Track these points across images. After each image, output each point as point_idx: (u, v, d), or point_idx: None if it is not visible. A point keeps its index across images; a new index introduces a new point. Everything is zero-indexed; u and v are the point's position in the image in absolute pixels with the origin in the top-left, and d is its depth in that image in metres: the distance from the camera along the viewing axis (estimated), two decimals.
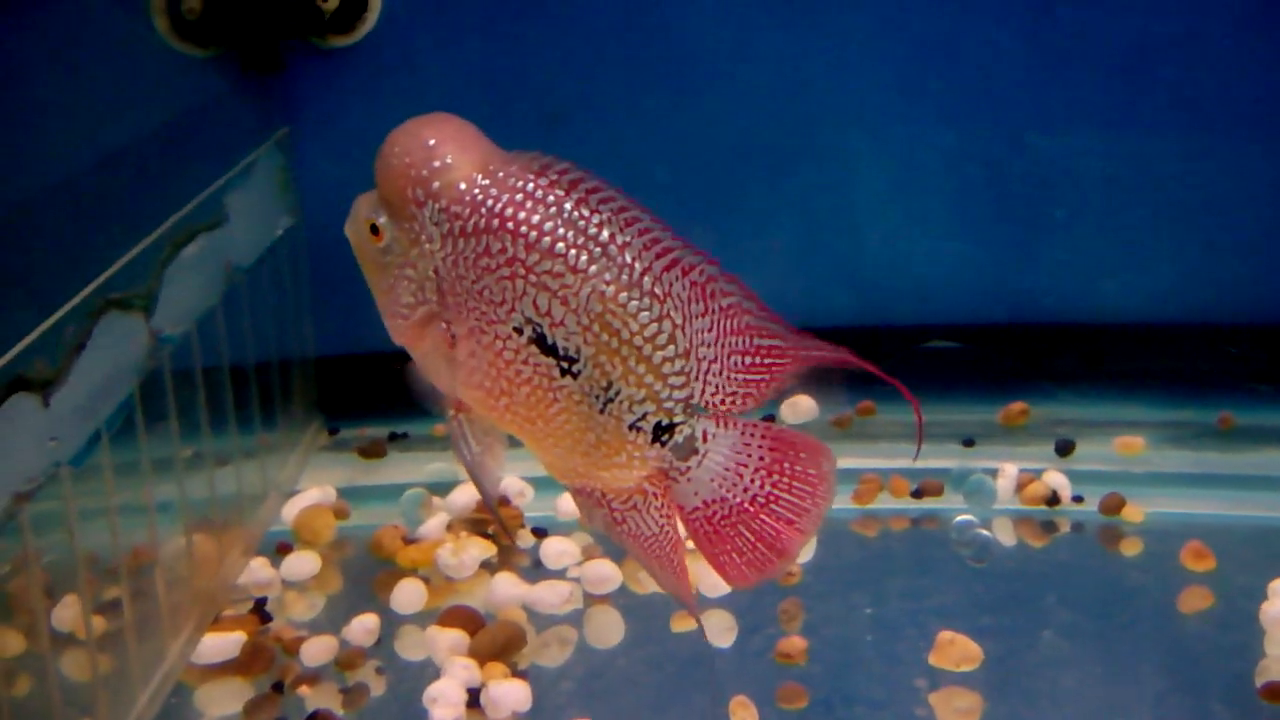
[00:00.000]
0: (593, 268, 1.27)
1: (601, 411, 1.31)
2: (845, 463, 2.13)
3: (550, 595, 1.84)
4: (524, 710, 1.64)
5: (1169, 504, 2.08)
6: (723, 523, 1.35)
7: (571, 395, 1.31)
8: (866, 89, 2.30)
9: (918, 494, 2.09)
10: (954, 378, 2.32)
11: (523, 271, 1.27)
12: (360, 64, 2.27)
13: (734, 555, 1.36)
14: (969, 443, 2.22)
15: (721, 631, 1.81)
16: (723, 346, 1.32)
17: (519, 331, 1.29)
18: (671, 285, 1.29)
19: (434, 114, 1.32)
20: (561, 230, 1.27)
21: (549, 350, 1.30)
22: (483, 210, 1.28)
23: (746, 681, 1.70)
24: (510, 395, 1.32)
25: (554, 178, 1.28)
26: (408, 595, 1.85)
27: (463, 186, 1.28)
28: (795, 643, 1.73)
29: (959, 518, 2.05)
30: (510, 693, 1.63)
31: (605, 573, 1.88)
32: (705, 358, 1.32)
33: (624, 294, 1.28)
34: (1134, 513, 2.03)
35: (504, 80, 2.28)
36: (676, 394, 1.31)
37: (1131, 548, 1.99)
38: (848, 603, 1.86)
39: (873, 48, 2.29)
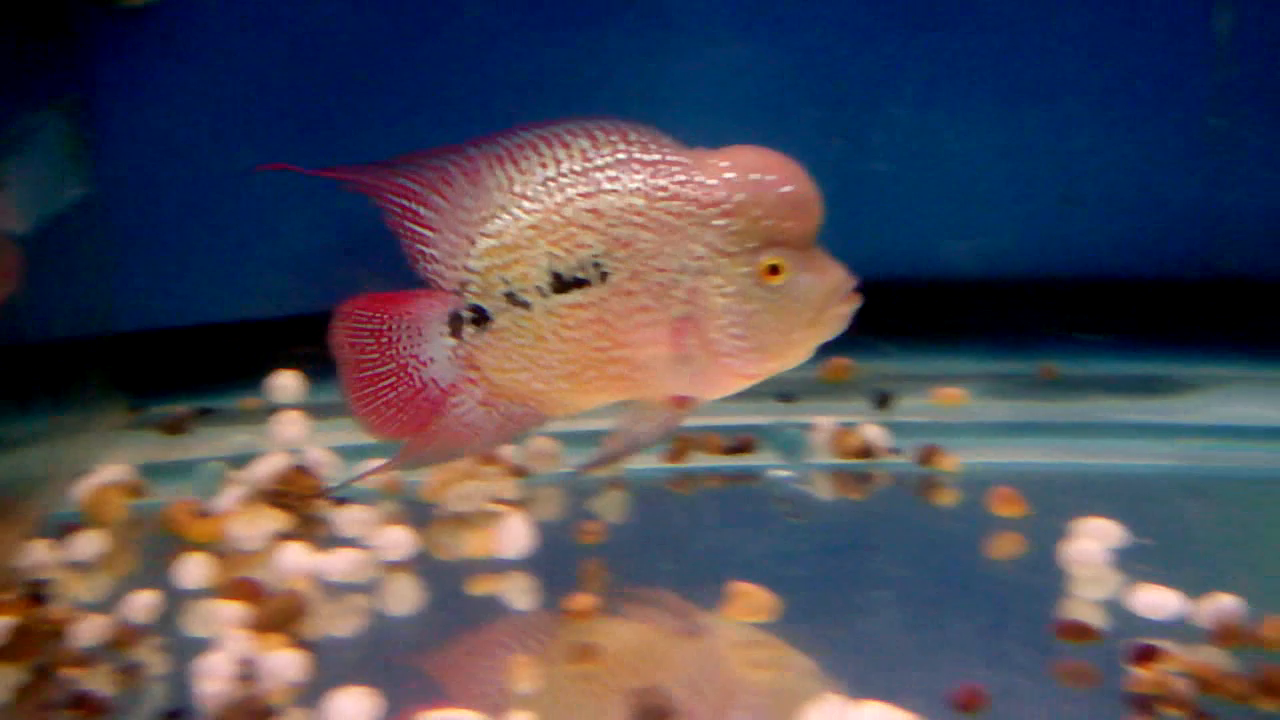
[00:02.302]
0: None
1: None
2: None
3: (339, 563, 1.78)
4: (300, 680, 1.57)
5: (987, 454, 2.06)
6: None
7: None
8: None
9: (732, 450, 2.04)
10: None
11: None
12: (157, 27, 2.19)
13: None
14: (787, 398, 2.18)
15: (521, 593, 1.76)
16: None
17: None
18: None
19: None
20: None
21: None
22: None
23: (538, 641, 1.65)
24: None
25: None
26: (193, 570, 1.78)
27: None
28: (584, 600, 1.68)
29: (775, 473, 2.02)
30: (285, 663, 1.57)
31: (400, 539, 1.82)
32: None
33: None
34: (949, 463, 2.00)
35: (306, 41, 2.22)
36: None
37: (947, 497, 1.97)
38: (649, 561, 1.82)
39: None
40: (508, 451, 2.01)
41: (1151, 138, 2.28)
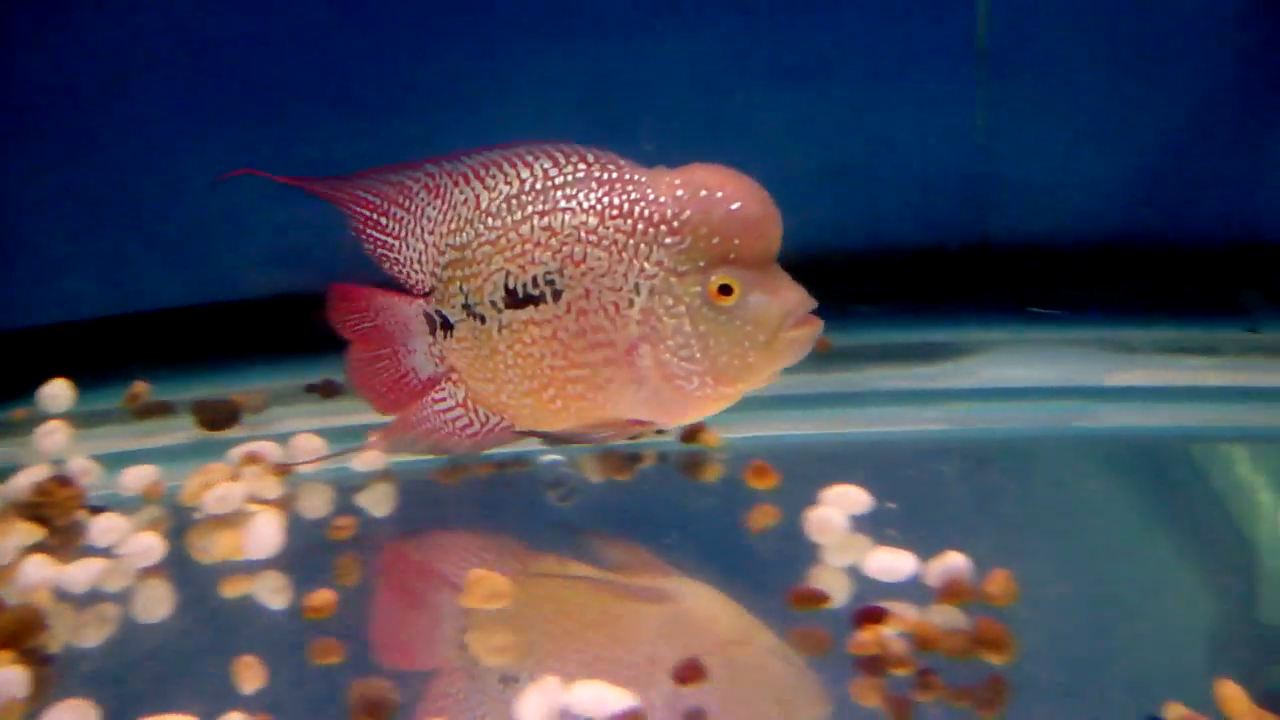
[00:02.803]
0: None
1: None
2: None
3: (85, 573, 1.76)
4: (21, 695, 1.55)
5: (753, 428, 2.07)
6: None
7: None
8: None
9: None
10: None
11: None
12: None
13: None
14: None
15: (273, 593, 1.75)
16: None
17: None
18: None
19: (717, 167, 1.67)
20: None
21: None
22: None
23: (279, 638, 1.64)
24: None
25: None
26: None
27: None
28: (323, 596, 1.67)
29: (545, 458, 2.02)
30: (6, 679, 1.54)
31: (151, 545, 1.80)
32: None
33: None
34: (712, 439, 2.02)
35: None
36: None
37: (712, 473, 1.98)
38: (399, 552, 1.82)
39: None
40: (270, 449, 2.00)
41: (919, 110, 2.31)
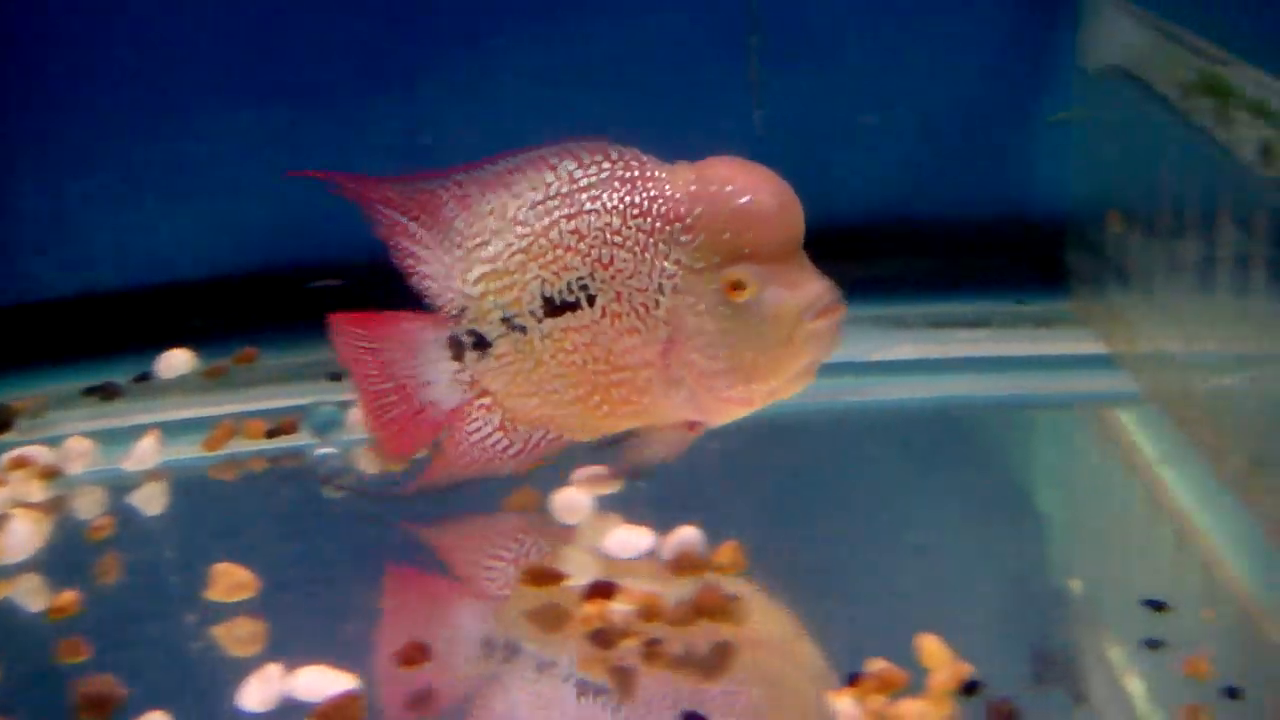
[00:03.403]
0: None
1: None
2: (208, 410, 2.15)
3: None
4: None
5: None
6: None
7: None
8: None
9: (273, 433, 2.06)
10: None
11: None
12: None
13: None
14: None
15: (30, 594, 1.75)
16: None
17: None
18: None
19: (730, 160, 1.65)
20: None
21: None
22: None
23: (28, 640, 1.65)
24: None
25: None
26: None
27: None
28: (66, 596, 1.68)
29: (319, 451, 2.04)
30: None
31: None
32: None
33: None
34: None
35: None
36: None
37: None
38: (157, 550, 1.84)
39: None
40: (39, 452, 2.00)
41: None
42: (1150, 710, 1.47)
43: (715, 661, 1.52)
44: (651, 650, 1.53)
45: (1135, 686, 1.50)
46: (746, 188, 1.60)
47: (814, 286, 1.62)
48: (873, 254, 2.37)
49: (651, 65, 2.34)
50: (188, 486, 1.99)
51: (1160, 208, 1.98)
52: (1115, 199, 2.16)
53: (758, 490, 1.90)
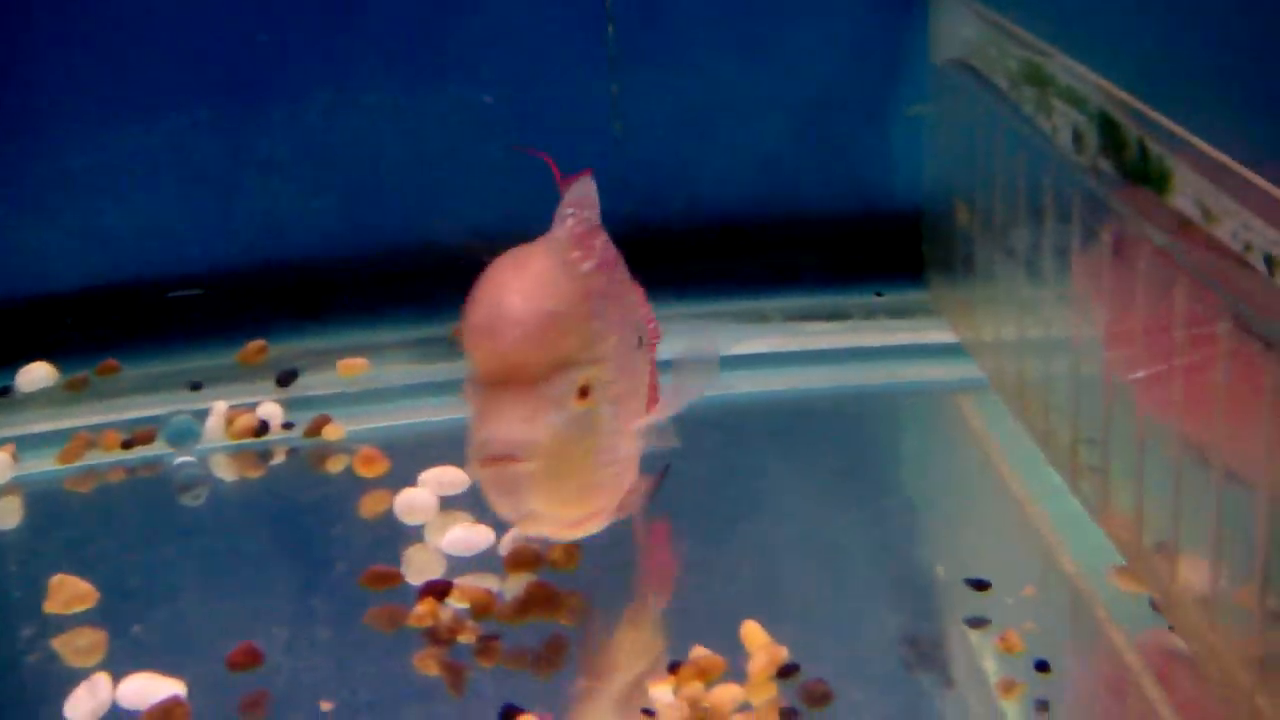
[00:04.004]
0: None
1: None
2: (69, 421, 2.15)
3: None
4: None
5: (385, 419, 2.12)
6: None
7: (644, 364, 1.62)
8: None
9: (128, 444, 2.06)
10: (196, 324, 2.32)
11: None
12: None
13: None
14: (197, 386, 2.21)
15: None
16: None
17: (637, 344, 1.58)
18: None
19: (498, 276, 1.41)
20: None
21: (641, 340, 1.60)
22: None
23: None
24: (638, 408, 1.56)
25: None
26: None
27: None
28: None
29: (176, 460, 2.05)
30: None
31: None
32: None
33: None
34: (335, 432, 2.06)
35: None
36: None
37: (337, 465, 2.01)
38: (1, 564, 1.84)
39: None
40: None
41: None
42: (970, 684, 1.51)
43: (547, 655, 1.55)
44: (485, 645, 1.56)
45: (957, 662, 1.54)
46: (480, 296, 1.40)
47: (483, 430, 1.38)
48: (733, 250, 2.40)
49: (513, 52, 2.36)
50: (42, 500, 1.99)
51: (995, 197, 2.02)
52: (960, 189, 2.19)
53: None
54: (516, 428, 1.36)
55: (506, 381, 1.38)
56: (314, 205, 2.36)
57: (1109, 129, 1.63)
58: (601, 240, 1.54)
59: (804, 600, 1.63)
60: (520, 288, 1.38)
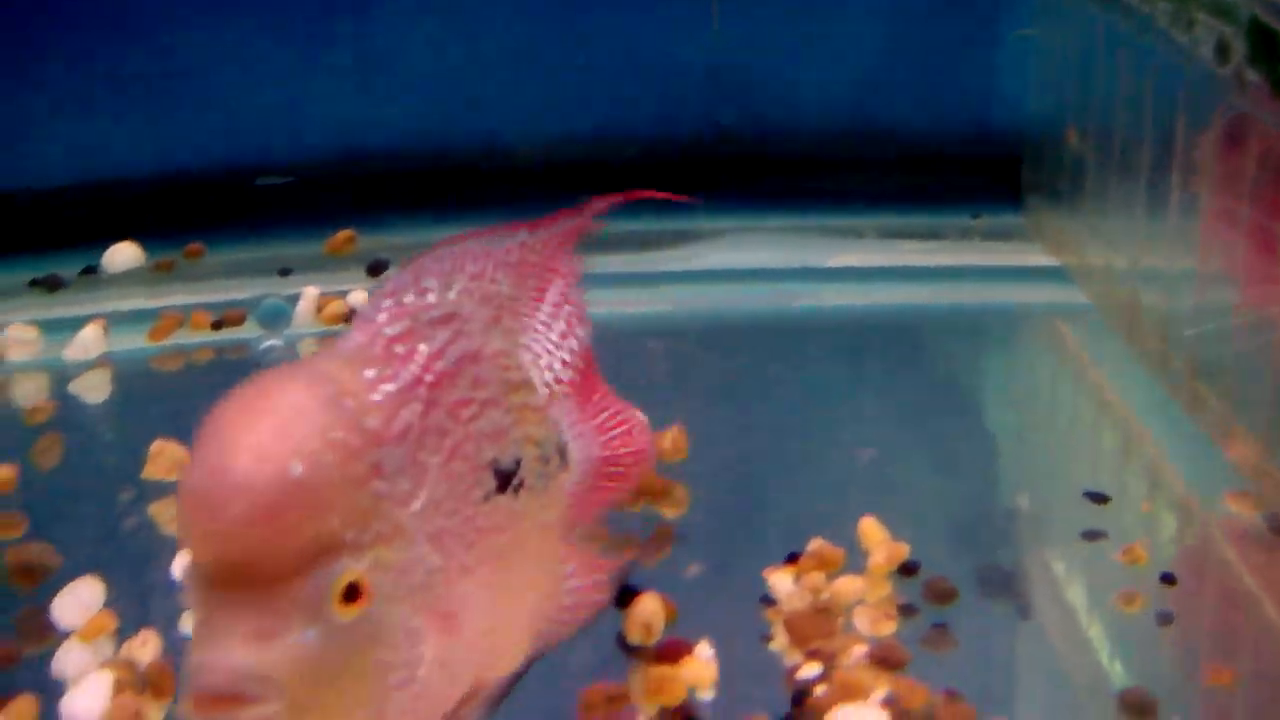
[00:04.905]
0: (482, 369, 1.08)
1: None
2: (156, 301, 2.13)
3: None
4: None
5: None
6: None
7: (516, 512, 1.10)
8: None
9: (218, 325, 2.04)
10: (283, 212, 2.29)
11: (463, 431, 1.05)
12: None
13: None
14: (286, 272, 2.18)
15: None
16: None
17: (487, 496, 1.07)
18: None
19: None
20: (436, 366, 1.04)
21: (509, 478, 1.10)
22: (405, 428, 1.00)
23: None
24: (497, 589, 1.07)
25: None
26: None
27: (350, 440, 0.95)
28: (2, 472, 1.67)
29: (264, 343, 2.03)
30: None
31: None
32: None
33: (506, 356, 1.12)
34: None
35: None
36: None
37: None
38: (96, 433, 1.83)
39: None
40: None
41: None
42: (1089, 596, 1.48)
43: (657, 541, 1.52)
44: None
45: (1075, 574, 1.51)
46: (199, 454, 0.94)
47: (196, 653, 0.93)
48: (829, 165, 2.36)
49: None
50: (131, 376, 1.97)
51: (1115, 119, 1.98)
52: (1071, 112, 2.15)
53: (703, 385, 1.90)
54: (241, 652, 0.91)
55: (231, 581, 0.93)
56: (405, 99, 2.33)
57: (1261, 38, 1.58)
58: (454, 337, 1.08)
59: (918, 503, 1.60)
60: (252, 438, 0.92)
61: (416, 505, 0.99)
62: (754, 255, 2.24)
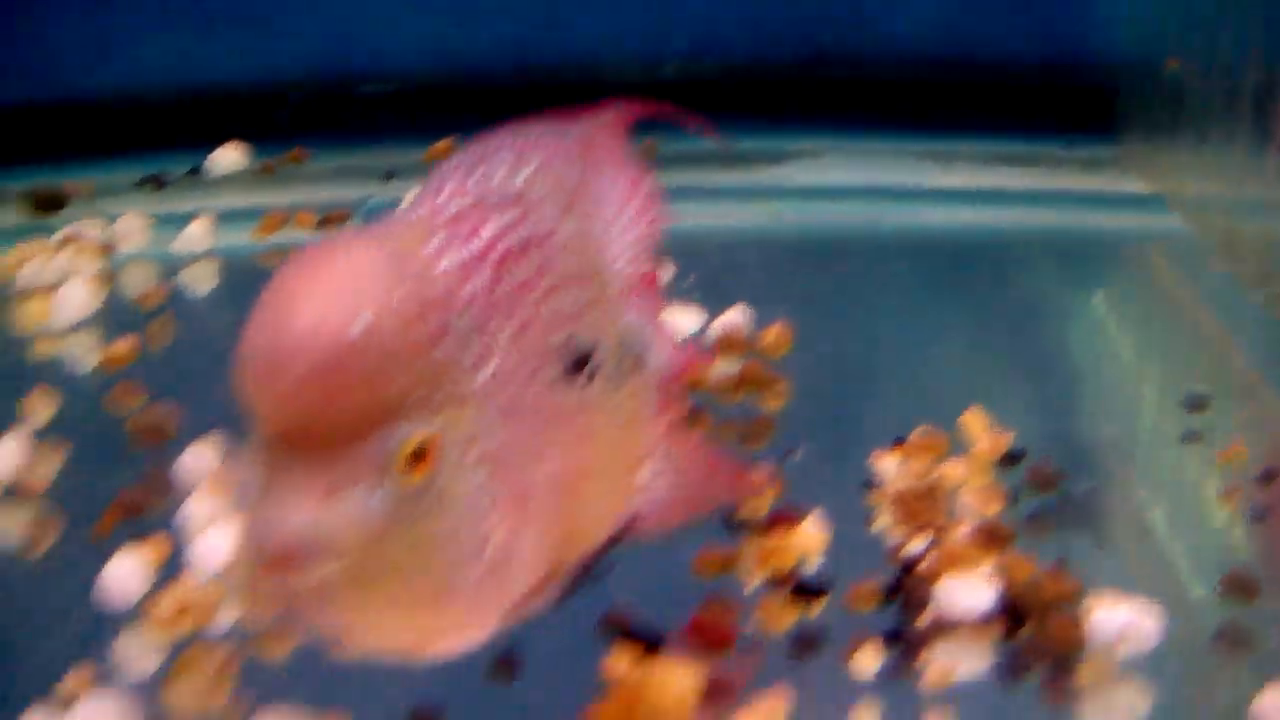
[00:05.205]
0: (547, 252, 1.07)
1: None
2: (261, 200, 2.18)
3: None
4: None
5: None
6: None
7: (600, 404, 1.09)
8: None
9: (323, 223, 2.08)
10: (384, 120, 2.33)
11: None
12: None
13: None
14: (390, 175, 2.22)
15: (84, 352, 1.79)
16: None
17: (559, 378, 1.06)
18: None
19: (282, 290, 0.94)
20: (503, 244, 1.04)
21: (582, 363, 1.08)
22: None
23: (81, 386, 1.69)
24: (571, 473, 1.06)
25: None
26: None
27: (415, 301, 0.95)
28: (120, 348, 1.72)
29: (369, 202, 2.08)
30: None
31: None
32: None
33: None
34: None
35: None
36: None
37: None
38: (206, 317, 1.88)
39: None
40: (92, 230, 2.03)
41: None
42: (1190, 491, 1.49)
43: (758, 430, 1.55)
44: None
45: (1175, 471, 1.53)
46: (260, 317, 0.96)
47: (259, 517, 0.93)
48: (925, 90, 2.37)
49: None
50: (237, 270, 2.02)
51: (1219, 46, 1.98)
52: (1172, 41, 2.15)
53: (800, 292, 1.92)
54: (302, 512, 0.91)
55: (292, 443, 0.93)
56: (505, 14, 2.35)
57: None
58: (520, 217, 1.07)
59: (1016, 403, 1.61)
60: (313, 299, 0.92)
61: (485, 375, 0.98)
62: (847, 175, 2.26)
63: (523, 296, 1.03)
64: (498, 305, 1.01)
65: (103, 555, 1.34)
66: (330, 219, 2.08)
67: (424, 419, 0.93)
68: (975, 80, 2.38)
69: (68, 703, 1.17)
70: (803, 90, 2.36)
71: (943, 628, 1.24)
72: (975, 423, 1.50)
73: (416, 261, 0.96)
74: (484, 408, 0.97)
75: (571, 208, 1.14)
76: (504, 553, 0.98)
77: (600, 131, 1.24)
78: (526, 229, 1.06)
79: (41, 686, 1.19)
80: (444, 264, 0.99)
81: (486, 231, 1.03)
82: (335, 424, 0.91)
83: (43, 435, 1.54)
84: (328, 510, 0.91)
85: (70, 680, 1.20)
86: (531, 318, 1.04)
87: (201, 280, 1.99)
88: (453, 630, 1.00)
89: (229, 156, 2.25)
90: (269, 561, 0.91)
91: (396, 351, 0.92)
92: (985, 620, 1.24)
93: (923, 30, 2.38)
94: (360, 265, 0.93)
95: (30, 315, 1.85)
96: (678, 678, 1.12)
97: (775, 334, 1.69)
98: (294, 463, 0.92)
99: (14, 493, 1.46)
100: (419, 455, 0.93)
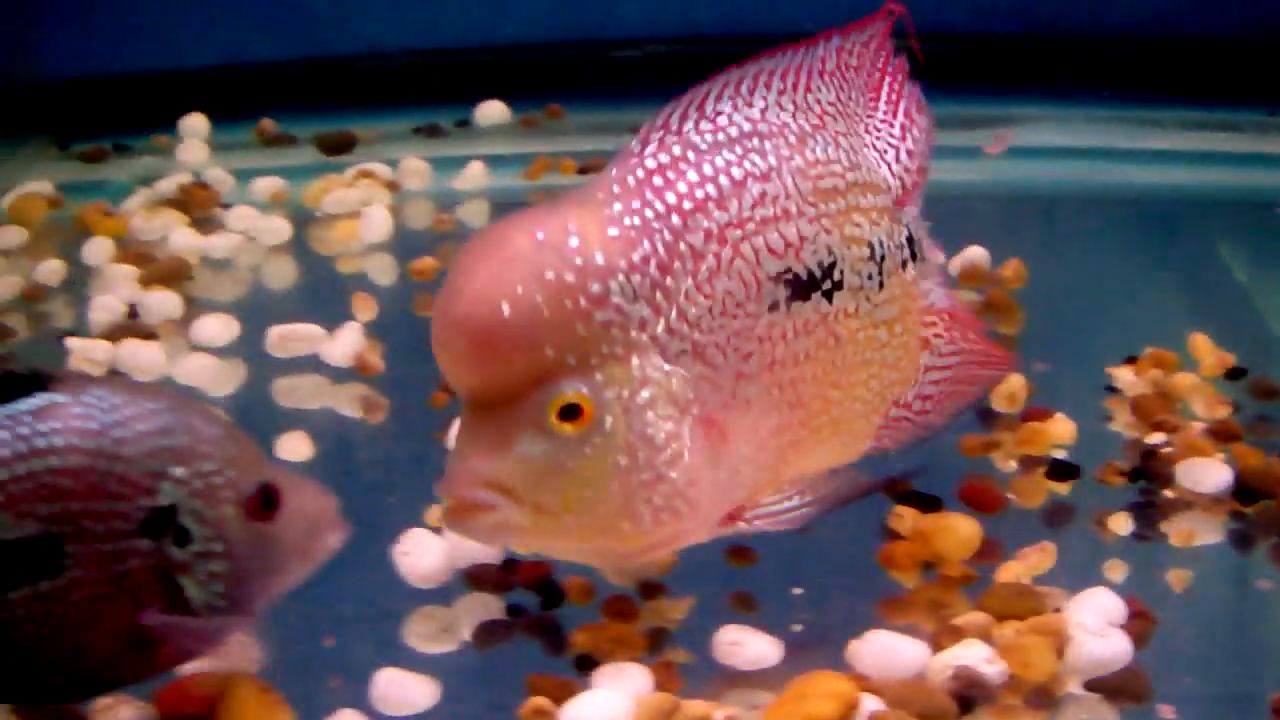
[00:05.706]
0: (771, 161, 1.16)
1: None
2: (524, 149, 2.40)
3: (224, 242, 2.06)
4: (176, 315, 1.85)
5: None
6: None
7: (846, 316, 1.20)
8: None
9: (583, 170, 2.29)
10: (633, 83, 2.54)
11: (747, 228, 1.14)
12: None
13: None
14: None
15: (382, 270, 2.02)
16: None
17: (775, 306, 1.16)
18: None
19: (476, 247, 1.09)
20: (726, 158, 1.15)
21: (812, 285, 1.18)
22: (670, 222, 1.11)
23: (391, 296, 1.92)
24: (798, 390, 1.18)
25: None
26: (97, 249, 2.03)
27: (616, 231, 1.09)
28: (425, 261, 1.95)
29: None
30: (164, 302, 1.86)
31: (280, 226, 2.12)
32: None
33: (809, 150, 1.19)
34: None
35: None
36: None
37: None
38: None
39: None
40: (381, 169, 2.27)
41: None
42: None
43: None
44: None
45: None
46: (444, 289, 1.11)
47: (449, 461, 1.13)
48: (1132, 60, 2.53)
49: None
50: (508, 208, 2.23)
51: None
52: None
53: (1030, 238, 2.10)
54: (477, 460, 1.09)
55: (472, 403, 1.12)
56: None
57: None
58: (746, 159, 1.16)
59: (1238, 329, 1.76)
60: (473, 284, 1.07)
61: (660, 326, 1.10)
62: (1059, 138, 2.42)
63: (719, 240, 1.12)
64: (681, 257, 1.11)
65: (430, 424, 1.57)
66: (590, 166, 2.29)
67: (580, 376, 1.08)
68: (1182, 51, 2.52)
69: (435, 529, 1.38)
70: (1018, 61, 2.52)
71: (1184, 502, 1.41)
72: (1201, 343, 1.66)
73: (579, 236, 1.08)
74: (661, 355, 1.10)
75: (823, 127, 1.23)
76: (701, 476, 1.11)
77: (862, 44, 1.32)
78: (743, 169, 1.14)
79: (410, 516, 1.40)
80: (614, 231, 1.09)
81: (680, 185, 1.12)
82: (499, 386, 1.08)
83: (369, 331, 1.78)
84: (497, 459, 1.08)
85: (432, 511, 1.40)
86: (732, 258, 1.13)
87: (478, 215, 2.22)
88: (644, 551, 1.14)
89: (494, 110, 2.49)
90: (456, 503, 1.10)
91: (542, 327, 1.06)
92: (1220, 497, 1.41)
93: (1132, 5, 2.54)
94: (513, 251, 1.07)
95: (337, 236, 2.10)
96: (961, 525, 1.31)
97: (1013, 268, 1.86)
98: (473, 422, 1.10)
99: (354, 372, 1.71)
100: (572, 410, 1.08)
